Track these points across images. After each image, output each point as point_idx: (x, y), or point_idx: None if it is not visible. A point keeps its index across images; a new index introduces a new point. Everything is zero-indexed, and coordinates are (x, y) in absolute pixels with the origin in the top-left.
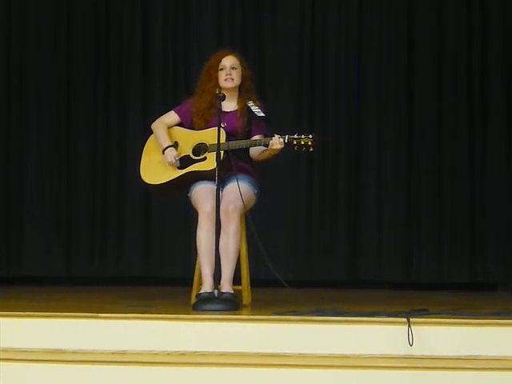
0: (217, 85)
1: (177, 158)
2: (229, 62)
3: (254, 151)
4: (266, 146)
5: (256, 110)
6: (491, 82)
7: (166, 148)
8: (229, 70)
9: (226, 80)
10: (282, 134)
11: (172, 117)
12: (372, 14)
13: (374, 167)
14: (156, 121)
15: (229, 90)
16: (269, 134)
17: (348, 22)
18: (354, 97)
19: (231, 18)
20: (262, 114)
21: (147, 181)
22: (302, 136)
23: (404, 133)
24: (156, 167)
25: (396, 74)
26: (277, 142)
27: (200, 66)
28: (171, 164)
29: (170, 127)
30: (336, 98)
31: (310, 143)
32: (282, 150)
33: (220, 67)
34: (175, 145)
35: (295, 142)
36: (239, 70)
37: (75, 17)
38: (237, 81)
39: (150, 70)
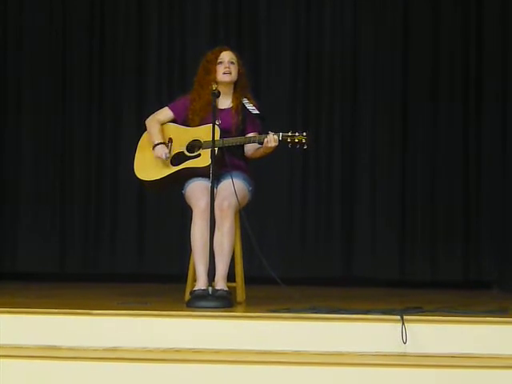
0: (215, 79)
1: (167, 155)
2: (227, 56)
3: (249, 148)
4: (261, 143)
5: (251, 107)
6: (486, 83)
7: (157, 145)
8: (227, 64)
9: (224, 74)
10: (276, 132)
11: (166, 113)
12: (367, 13)
13: (369, 166)
14: (150, 117)
15: (225, 85)
16: (263, 132)
17: (343, 21)
18: (348, 95)
19: (226, 17)
20: (257, 112)
21: (141, 177)
22: (296, 133)
23: (398, 132)
24: (150, 163)
25: (391, 73)
26: (271, 140)
27: (195, 64)
28: (159, 158)
29: (163, 123)
30: (331, 97)
31: (303, 141)
32: (277, 147)
33: (218, 61)
34: (170, 141)
35: (289, 140)
36: (236, 65)
37: (70, 15)
38: (234, 75)
39: (145, 68)
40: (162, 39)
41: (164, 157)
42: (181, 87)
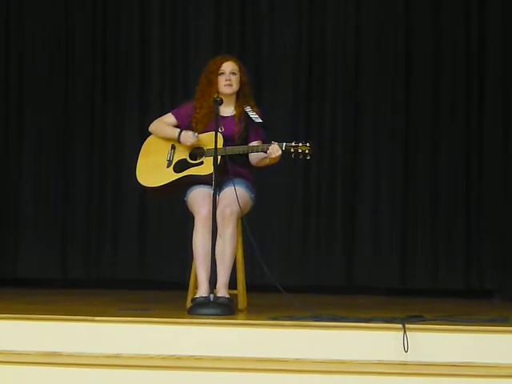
0: (216, 90)
1: (195, 135)
2: (229, 67)
3: (254, 158)
4: (264, 151)
5: (253, 115)
6: (488, 83)
7: (180, 134)
8: (228, 76)
9: (225, 86)
10: (279, 141)
11: (169, 119)
12: (369, 15)
13: (371, 172)
14: (153, 122)
15: (227, 96)
16: (266, 140)
17: (345, 23)
18: (351, 97)
19: (229, 21)
20: (260, 120)
21: (143, 183)
22: (300, 144)
23: (400, 135)
24: (152, 170)
25: (393, 75)
26: (275, 151)
27: (197, 68)
28: (193, 143)
29: None
30: (333, 99)
31: (307, 151)
32: (280, 156)
33: (220, 72)
34: (172, 147)
35: (292, 150)
36: (238, 75)
37: (73, 20)
38: (235, 87)
39: (148, 72)
40: (165, 42)
41: (194, 139)
42: (184, 91)
